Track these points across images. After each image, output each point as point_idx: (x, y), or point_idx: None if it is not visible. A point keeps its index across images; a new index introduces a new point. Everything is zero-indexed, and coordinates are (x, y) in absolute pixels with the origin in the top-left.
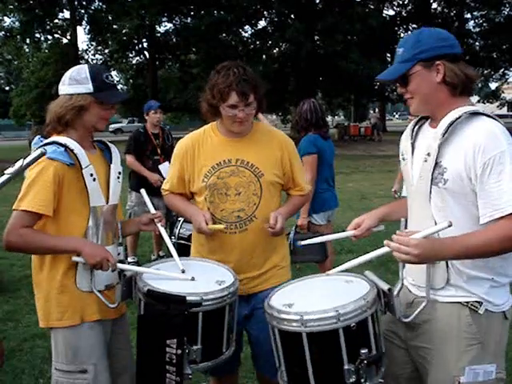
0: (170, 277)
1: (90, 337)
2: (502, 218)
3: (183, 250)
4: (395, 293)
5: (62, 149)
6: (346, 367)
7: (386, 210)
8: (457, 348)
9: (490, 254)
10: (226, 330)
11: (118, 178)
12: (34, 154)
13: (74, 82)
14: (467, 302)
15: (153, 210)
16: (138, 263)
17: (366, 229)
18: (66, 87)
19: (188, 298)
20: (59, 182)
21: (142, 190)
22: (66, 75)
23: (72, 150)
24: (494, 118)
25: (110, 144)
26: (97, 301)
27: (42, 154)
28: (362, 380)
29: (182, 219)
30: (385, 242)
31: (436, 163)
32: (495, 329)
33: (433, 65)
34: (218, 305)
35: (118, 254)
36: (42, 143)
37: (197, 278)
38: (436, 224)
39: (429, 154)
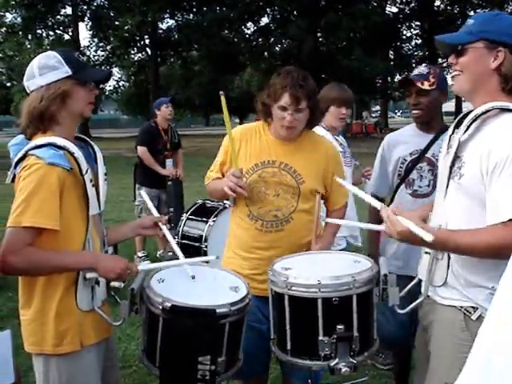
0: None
1: (87, 362)
2: (500, 223)
3: (187, 251)
4: (393, 281)
5: (61, 152)
6: (320, 338)
7: (427, 210)
8: (450, 354)
9: (477, 256)
10: (242, 337)
11: (106, 180)
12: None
13: (47, 71)
14: (461, 307)
15: (156, 214)
16: (147, 257)
17: None
18: (37, 80)
19: (217, 311)
20: (61, 190)
21: (143, 192)
22: (31, 68)
23: (72, 154)
24: None
25: (91, 141)
26: (94, 320)
27: None
28: (333, 355)
29: (185, 217)
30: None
31: (457, 156)
32: None
33: (494, 49)
34: (242, 313)
35: None
36: (29, 145)
37: (208, 285)
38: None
39: (451, 146)
